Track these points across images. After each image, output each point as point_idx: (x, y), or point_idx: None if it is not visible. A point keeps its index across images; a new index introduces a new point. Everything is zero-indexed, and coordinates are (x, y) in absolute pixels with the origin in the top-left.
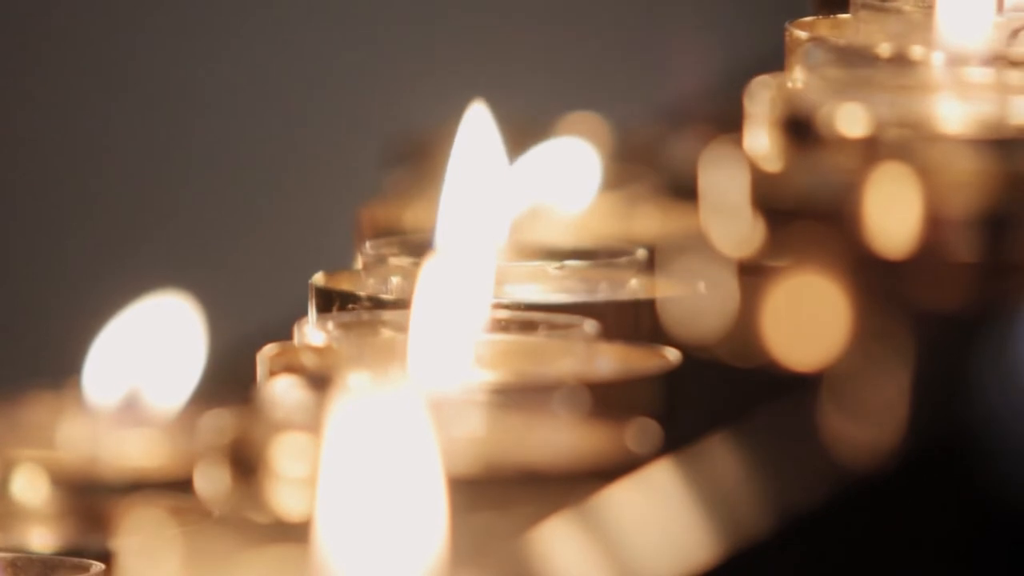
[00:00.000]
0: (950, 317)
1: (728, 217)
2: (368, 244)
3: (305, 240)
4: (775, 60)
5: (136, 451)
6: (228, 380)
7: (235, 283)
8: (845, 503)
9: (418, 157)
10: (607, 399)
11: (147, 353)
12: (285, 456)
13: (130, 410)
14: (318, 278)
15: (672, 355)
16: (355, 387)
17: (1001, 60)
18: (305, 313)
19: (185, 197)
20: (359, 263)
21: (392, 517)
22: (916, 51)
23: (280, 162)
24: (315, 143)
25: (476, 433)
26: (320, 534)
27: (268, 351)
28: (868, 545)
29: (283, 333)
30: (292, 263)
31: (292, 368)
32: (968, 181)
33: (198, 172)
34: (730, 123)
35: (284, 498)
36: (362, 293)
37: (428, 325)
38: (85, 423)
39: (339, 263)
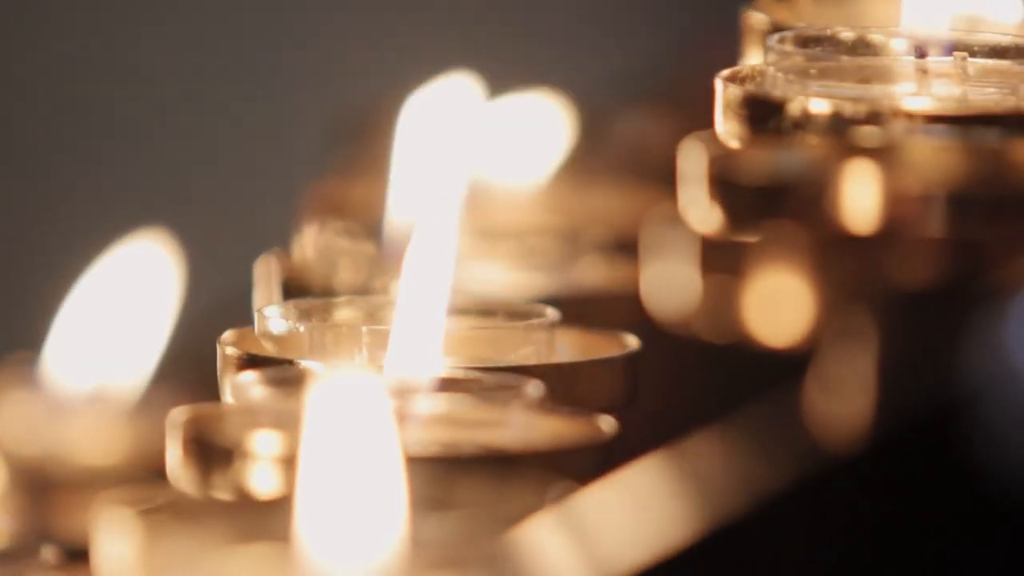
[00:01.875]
0: (920, 295)
1: (697, 200)
2: (316, 227)
3: (251, 217)
4: (728, 37)
5: (96, 438)
6: (180, 359)
7: (182, 260)
8: (827, 484)
9: (365, 133)
10: (568, 385)
11: (101, 331)
12: (251, 449)
13: (88, 394)
14: (268, 267)
15: (632, 341)
16: (319, 377)
17: (961, 45)
18: (250, 291)
19: (129, 170)
20: (307, 245)
21: (358, 502)
22: (876, 35)
23: (226, 138)
24: (261, 119)
25: (438, 418)
26: (294, 526)
27: (227, 339)
28: (852, 527)
29: (232, 311)
30: (239, 240)
31: (252, 357)
32: (931, 161)
33: (144, 147)
34: (687, 98)
35: (251, 490)
36: (312, 278)
37: (389, 311)
38: (37, 404)
39: (285, 240)
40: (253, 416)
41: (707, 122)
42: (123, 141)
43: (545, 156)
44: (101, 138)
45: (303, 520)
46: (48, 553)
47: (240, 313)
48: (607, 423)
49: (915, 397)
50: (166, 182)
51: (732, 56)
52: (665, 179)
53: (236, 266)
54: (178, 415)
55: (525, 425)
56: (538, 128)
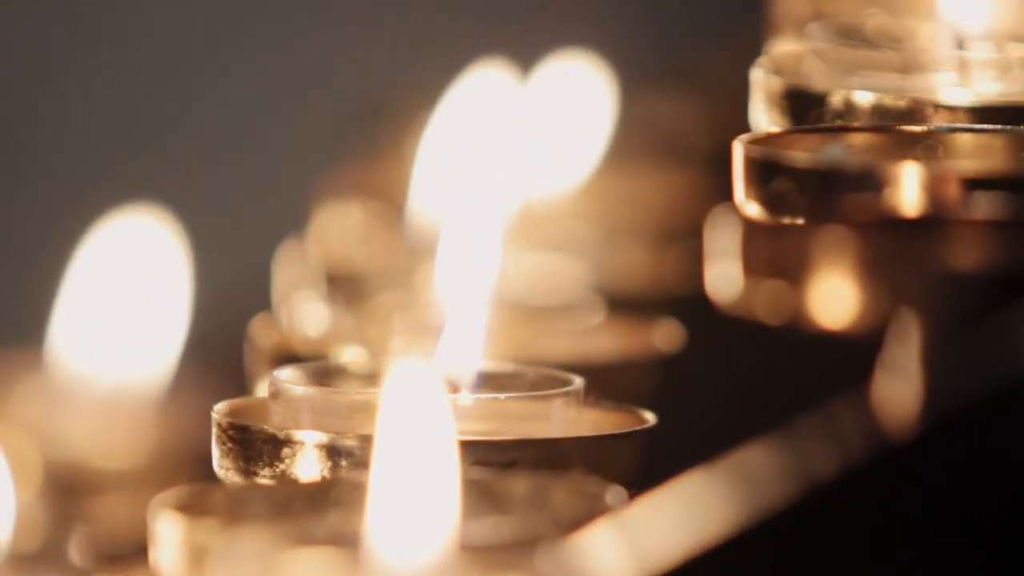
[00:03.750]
0: (972, 280)
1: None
2: (338, 210)
3: (269, 201)
4: (751, 20)
5: (124, 434)
6: (200, 348)
7: (200, 244)
8: (889, 468)
9: (386, 117)
10: (609, 379)
11: (115, 322)
12: (298, 442)
13: (112, 388)
14: (292, 251)
15: (670, 339)
16: (385, 371)
17: (999, 35)
18: (266, 275)
19: (146, 156)
20: (330, 228)
21: (415, 498)
22: (916, 24)
23: (246, 122)
24: (281, 103)
25: (481, 411)
26: (355, 521)
27: (257, 328)
28: (913, 513)
29: (252, 297)
30: (256, 225)
31: (286, 349)
32: (975, 150)
33: (161, 130)
34: (721, 84)
35: (297, 483)
36: (335, 263)
37: (418, 297)
38: (59, 399)
39: (304, 224)
40: (297, 409)
41: (740, 107)
42: (141, 126)
43: (585, 143)
44: (117, 123)
45: (372, 515)
46: (79, 553)
47: (257, 298)
48: (648, 416)
49: (969, 382)
50: (183, 166)
51: (756, 41)
52: (702, 163)
53: (253, 251)
54: (222, 409)
55: (568, 419)
56: (577, 116)
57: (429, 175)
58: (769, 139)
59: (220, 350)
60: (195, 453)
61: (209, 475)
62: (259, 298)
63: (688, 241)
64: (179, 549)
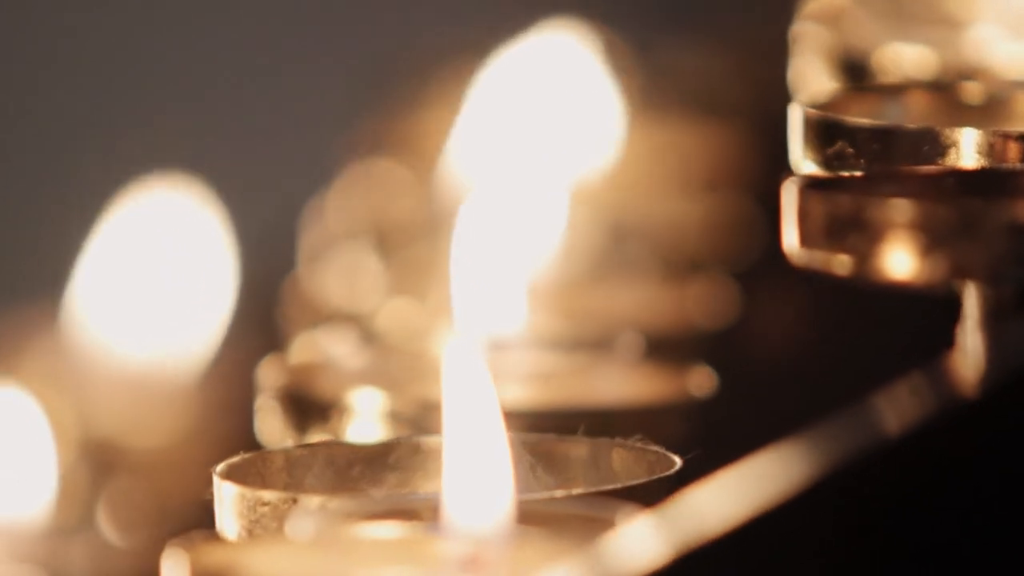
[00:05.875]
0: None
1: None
2: (365, 167)
3: (297, 159)
4: None
5: (164, 410)
6: (235, 310)
7: (228, 205)
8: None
9: (415, 78)
10: (664, 346)
11: (153, 295)
12: (350, 405)
13: (152, 363)
14: (320, 210)
15: (727, 305)
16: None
17: None
18: (295, 239)
19: (179, 108)
20: (356, 186)
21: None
22: None
23: (274, 78)
24: (309, 60)
25: (534, 374)
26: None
27: (289, 288)
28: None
29: (282, 257)
30: (287, 181)
31: (321, 309)
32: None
33: (193, 84)
34: (761, 46)
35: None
36: (364, 218)
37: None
38: (101, 376)
39: (330, 181)
40: (348, 371)
41: (775, 61)
42: (169, 88)
43: (613, 101)
44: (144, 84)
45: (435, 483)
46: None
47: (286, 257)
48: (705, 383)
49: None
50: (209, 126)
51: None
52: (737, 118)
53: (281, 209)
54: (272, 371)
55: (621, 379)
56: (603, 79)
57: (465, 133)
58: (826, 99)
59: (252, 312)
60: (235, 421)
61: (251, 443)
62: (288, 257)
63: (730, 199)
64: (242, 515)
